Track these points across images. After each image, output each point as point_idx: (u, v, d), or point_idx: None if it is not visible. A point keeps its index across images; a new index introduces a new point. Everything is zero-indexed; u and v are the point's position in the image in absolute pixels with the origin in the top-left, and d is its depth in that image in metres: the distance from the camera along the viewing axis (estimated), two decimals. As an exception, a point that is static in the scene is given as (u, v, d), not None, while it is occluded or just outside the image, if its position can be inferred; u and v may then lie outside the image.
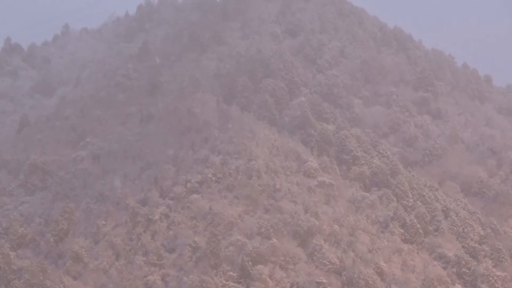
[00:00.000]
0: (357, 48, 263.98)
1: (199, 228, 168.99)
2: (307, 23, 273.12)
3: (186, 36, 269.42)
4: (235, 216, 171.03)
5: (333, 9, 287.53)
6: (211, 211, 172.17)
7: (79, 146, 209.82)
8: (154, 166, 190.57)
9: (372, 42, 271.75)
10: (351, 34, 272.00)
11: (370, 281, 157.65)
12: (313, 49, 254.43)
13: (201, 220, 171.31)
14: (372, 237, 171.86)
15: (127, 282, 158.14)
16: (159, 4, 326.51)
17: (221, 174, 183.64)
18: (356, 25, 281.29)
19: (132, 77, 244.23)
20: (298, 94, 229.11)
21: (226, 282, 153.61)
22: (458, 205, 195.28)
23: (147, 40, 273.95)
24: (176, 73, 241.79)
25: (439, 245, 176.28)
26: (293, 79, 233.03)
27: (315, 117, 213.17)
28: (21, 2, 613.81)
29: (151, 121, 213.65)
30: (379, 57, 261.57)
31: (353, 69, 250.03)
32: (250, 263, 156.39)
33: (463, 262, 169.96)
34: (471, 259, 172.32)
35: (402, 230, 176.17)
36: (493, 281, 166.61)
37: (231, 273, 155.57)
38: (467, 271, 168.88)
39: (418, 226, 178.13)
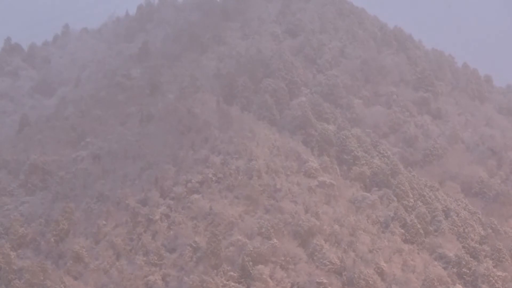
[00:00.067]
0: (357, 48, 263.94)
1: (199, 228, 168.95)
2: (307, 23, 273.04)
3: (186, 36, 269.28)
4: (236, 216, 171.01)
5: (333, 9, 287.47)
6: (211, 211, 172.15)
7: (79, 146, 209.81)
8: (155, 166, 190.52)
9: (372, 42, 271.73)
10: (351, 34, 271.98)
11: (370, 281, 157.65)
12: (313, 49, 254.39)
13: (201, 220, 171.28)
14: (372, 237, 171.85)
15: (127, 282, 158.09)
16: (159, 4, 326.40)
17: (221, 174, 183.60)
18: (356, 25, 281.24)
19: (132, 77, 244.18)
20: (299, 94, 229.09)
21: (227, 282, 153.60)
22: (458, 205, 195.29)
23: (147, 40, 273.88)
24: (176, 73, 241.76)
25: (440, 245, 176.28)
26: (293, 79, 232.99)
27: (315, 117, 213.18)
28: (21, 2, 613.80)
29: (151, 121, 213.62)
30: (379, 57, 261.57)
31: (353, 69, 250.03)
32: (251, 263, 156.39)
33: (464, 262, 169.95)
34: (471, 259, 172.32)
35: (402, 230, 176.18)
36: (493, 281, 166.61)
37: (232, 273, 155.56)
38: (468, 271, 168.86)
39: (419, 226, 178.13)
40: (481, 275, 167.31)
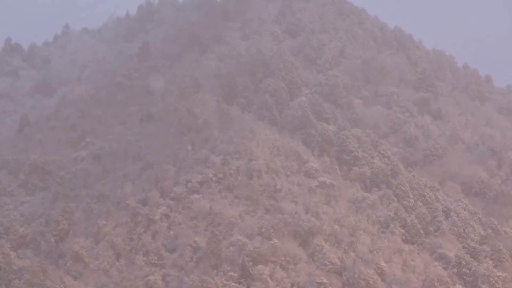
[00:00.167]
0: (357, 48, 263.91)
1: (199, 228, 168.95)
2: (307, 23, 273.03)
3: (186, 36, 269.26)
4: (236, 216, 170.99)
5: (333, 9, 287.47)
6: (211, 211, 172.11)
7: (79, 146, 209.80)
8: (155, 166, 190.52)
9: (372, 42, 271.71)
10: (352, 34, 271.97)
11: (370, 282, 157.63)
12: (313, 49, 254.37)
13: (201, 220, 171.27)
14: (372, 238, 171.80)
15: (127, 282, 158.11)
16: (160, 4, 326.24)
17: (221, 174, 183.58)
18: (357, 25, 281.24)
19: (133, 77, 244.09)
20: (299, 94, 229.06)
21: (227, 282, 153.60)
22: (458, 205, 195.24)
23: (147, 40, 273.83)
24: (176, 73, 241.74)
25: (440, 245, 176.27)
26: (294, 79, 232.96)
27: (315, 117, 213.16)
28: (21, 2, 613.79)
29: (151, 121, 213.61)
30: (380, 57, 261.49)
31: (354, 69, 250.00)
32: (251, 263, 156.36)
33: (464, 263, 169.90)
34: (471, 259, 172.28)
35: (402, 231, 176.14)
36: (493, 281, 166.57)
37: (232, 273, 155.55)
38: (468, 271, 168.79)
39: (419, 226, 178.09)
40: (481, 275, 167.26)
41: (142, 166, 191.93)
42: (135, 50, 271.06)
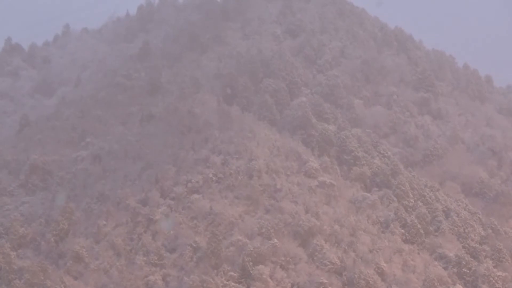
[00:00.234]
0: (357, 48, 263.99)
1: (199, 228, 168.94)
2: (307, 23, 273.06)
3: (186, 36, 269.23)
4: (236, 216, 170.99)
5: (334, 9, 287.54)
6: (211, 211, 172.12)
7: (79, 146, 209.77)
8: (155, 166, 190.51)
9: (372, 43, 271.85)
10: (352, 34, 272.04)
11: (370, 281, 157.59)
12: (313, 49, 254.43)
13: (201, 220, 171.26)
14: (372, 237, 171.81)
15: (127, 282, 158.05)
16: (160, 4, 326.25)
17: (221, 174, 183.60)
18: (357, 25, 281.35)
19: (133, 77, 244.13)
20: (299, 94, 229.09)
21: (227, 282, 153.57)
22: (458, 205, 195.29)
23: (147, 40, 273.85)
24: (176, 73, 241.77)
25: (440, 245, 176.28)
26: (294, 80, 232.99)
27: (315, 118, 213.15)
28: (21, 2, 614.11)
29: (151, 121, 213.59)
30: (380, 57, 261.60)
31: (354, 69, 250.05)
32: (251, 263, 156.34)
33: (464, 263, 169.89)
34: (471, 259, 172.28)
35: (402, 231, 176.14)
36: (493, 281, 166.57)
37: (232, 273, 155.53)
38: (468, 271, 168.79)
39: (419, 226, 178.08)
40: (481, 275, 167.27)
41: (142, 166, 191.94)
42: (135, 50, 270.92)
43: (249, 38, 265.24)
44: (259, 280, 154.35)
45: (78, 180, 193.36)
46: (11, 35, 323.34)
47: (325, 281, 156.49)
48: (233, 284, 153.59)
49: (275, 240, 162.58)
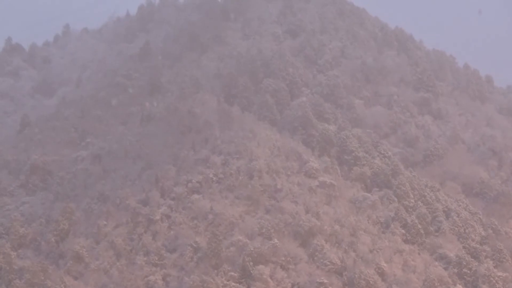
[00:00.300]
0: (357, 48, 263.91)
1: (200, 228, 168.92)
2: (307, 23, 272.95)
3: (186, 36, 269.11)
4: (236, 216, 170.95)
5: (334, 9, 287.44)
6: (212, 211, 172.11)
7: (79, 146, 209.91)
8: (155, 166, 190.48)
9: (373, 43, 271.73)
10: (352, 34, 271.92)
11: (371, 282, 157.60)
12: (313, 49, 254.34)
13: (202, 220, 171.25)
14: (373, 238, 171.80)
15: (128, 282, 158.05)
16: (160, 4, 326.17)
17: (222, 174, 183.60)
18: (357, 25, 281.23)
19: (133, 77, 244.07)
20: (299, 94, 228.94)
21: (227, 282, 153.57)
22: (459, 205, 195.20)
23: (148, 40, 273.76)
24: (176, 73, 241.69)
25: (440, 245, 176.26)
26: (294, 80, 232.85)
27: (316, 118, 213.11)
28: (21, 2, 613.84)
29: (151, 121, 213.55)
30: (380, 57, 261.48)
31: (354, 69, 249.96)
32: (251, 263, 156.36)
33: (464, 263, 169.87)
34: (472, 259, 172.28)
35: (403, 231, 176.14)
36: (494, 281, 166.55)
37: (232, 273, 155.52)
38: (468, 271, 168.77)
39: (419, 226, 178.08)
40: (482, 275, 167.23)
41: (143, 166, 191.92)
42: (135, 50, 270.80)
43: (249, 38, 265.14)
44: (259, 280, 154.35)
45: (78, 180, 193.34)
46: (11, 35, 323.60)
47: (325, 281, 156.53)
48: (233, 284, 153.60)
49: (276, 240, 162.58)
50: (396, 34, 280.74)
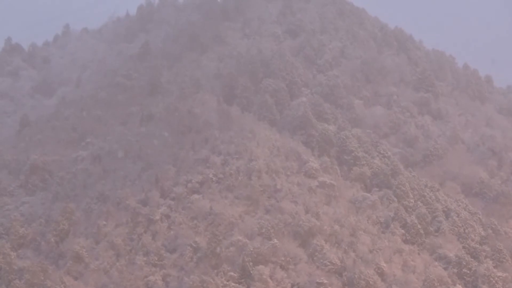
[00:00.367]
0: (357, 48, 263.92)
1: (199, 228, 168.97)
2: (307, 23, 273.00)
3: (186, 36, 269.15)
4: (236, 216, 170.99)
5: (334, 9, 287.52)
6: (212, 211, 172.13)
7: (79, 146, 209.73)
8: (155, 166, 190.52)
9: (372, 43, 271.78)
10: (352, 34, 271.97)
11: (370, 282, 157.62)
12: (313, 49, 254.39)
13: (201, 220, 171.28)
14: (373, 238, 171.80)
15: (127, 282, 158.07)
16: (160, 4, 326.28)
17: (221, 175, 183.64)
18: (357, 25, 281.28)
19: (133, 77, 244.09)
20: (299, 94, 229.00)
21: (227, 283, 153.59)
22: (459, 205, 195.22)
23: (147, 40, 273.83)
24: (176, 73, 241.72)
25: (440, 245, 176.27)
26: (294, 80, 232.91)
27: (315, 118, 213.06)
28: (21, 2, 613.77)
29: (151, 121, 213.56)
30: (380, 57, 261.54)
31: (354, 69, 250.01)
32: (251, 263, 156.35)
33: (464, 263, 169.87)
34: (472, 259, 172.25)
35: (403, 231, 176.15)
36: (494, 281, 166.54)
37: (232, 273, 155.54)
38: (468, 271, 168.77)
39: (419, 226, 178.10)
40: (482, 275, 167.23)
41: (142, 166, 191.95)
42: (135, 50, 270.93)
43: (249, 38, 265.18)
44: (259, 280, 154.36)
45: (78, 180, 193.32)
46: (11, 35, 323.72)
47: (325, 281, 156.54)
48: (233, 284, 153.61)
49: (275, 240, 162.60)
50: (395, 34, 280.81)
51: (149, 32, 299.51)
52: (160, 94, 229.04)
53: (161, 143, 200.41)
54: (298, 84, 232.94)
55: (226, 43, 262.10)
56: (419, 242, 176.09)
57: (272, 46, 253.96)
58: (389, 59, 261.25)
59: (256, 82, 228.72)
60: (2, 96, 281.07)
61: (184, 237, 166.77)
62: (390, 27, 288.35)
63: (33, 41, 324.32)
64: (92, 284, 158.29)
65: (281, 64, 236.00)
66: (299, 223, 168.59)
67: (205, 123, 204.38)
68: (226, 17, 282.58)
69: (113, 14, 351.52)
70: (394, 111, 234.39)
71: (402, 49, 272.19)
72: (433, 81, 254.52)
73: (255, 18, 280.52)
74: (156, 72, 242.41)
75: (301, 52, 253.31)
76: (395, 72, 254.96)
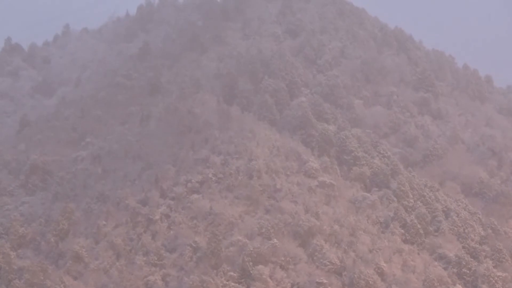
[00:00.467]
0: (357, 48, 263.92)
1: (199, 228, 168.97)
2: (307, 23, 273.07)
3: (186, 36, 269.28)
4: (236, 216, 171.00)
5: (334, 9, 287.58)
6: (211, 211, 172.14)
7: (79, 146, 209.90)
8: (155, 166, 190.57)
9: (372, 43, 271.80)
10: (352, 34, 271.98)
11: (370, 282, 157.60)
12: (313, 49, 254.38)
13: (201, 220, 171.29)
14: (372, 238, 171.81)
15: (127, 282, 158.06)
16: (160, 4, 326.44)
17: (221, 174, 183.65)
18: (357, 25, 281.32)
19: (133, 77, 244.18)
20: (299, 94, 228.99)
21: (227, 282, 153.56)
22: (458, 205, 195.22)
23: (147, 40, 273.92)
24: (176, 73, 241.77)
25: (440, 245, 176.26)
26: (294, 80, 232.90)
27: (315, 118, 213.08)
28: (21, 2, 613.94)
29: (151, 121, 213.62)
30: (380, 57, 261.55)
31: (354, 69, 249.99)
32: (251, 263, 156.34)
33: (464, 263, 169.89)
34: (471, 259, 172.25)
35: (402, 231, 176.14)
36: (493, 281, 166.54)
37: (232, 273, 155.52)
38: (468, 271, 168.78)
39: (419, 226, 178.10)
40: (481, 275, 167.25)
41: (142, 166, 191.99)
42: (135, 50, 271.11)
43: (249, 38, 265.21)
44: (259, 280, 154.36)
45: (78, 180, 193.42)
46: (11, 35, 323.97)
47: (325, 281, 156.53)
48: (233, 284, 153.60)
49: (275, 240, 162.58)
50: (395, 34, 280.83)
51: (149, 32, 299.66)
52: (160, 94, 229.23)
53: (161, 143, 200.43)
54: (298, 84, 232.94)
55: (226, 43, 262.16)
56: (419, 242, 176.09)
57: (272, 46, 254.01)
58: (389, 59, 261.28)
59: (256, 82, 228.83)
60: (2, 96, 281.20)
61: (184, 237, 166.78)
62: (390, 27, 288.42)
63: (33, 41, 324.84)
64: (92, 284, 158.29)
65: (281, 64, 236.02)
66: (299, 223, 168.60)
67: (205, 123, 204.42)
68: (226, 17, 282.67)
69: (113, 14, 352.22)
70: (394, 111, 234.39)
71: (402, 49, 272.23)
72: (433, 81, 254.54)
73: (255, 18, 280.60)
74: (156, 72, 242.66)
75: (301, 52, 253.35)
76: (395, 72, 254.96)
